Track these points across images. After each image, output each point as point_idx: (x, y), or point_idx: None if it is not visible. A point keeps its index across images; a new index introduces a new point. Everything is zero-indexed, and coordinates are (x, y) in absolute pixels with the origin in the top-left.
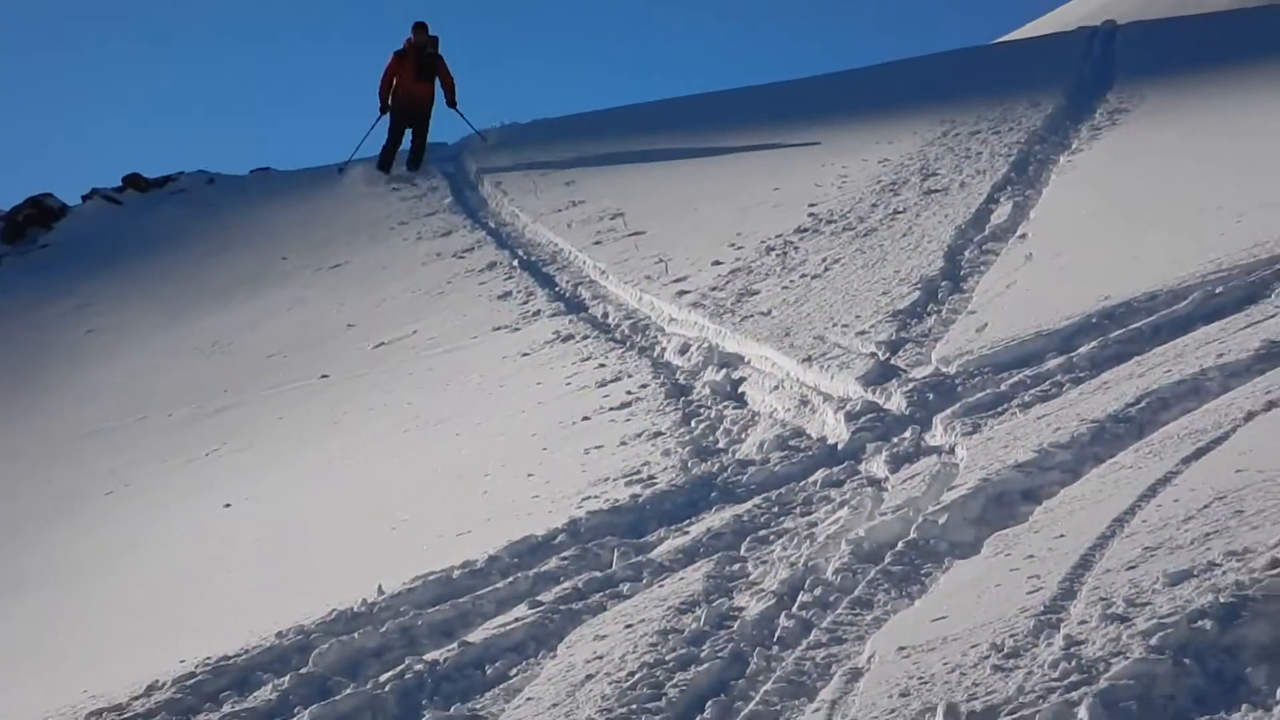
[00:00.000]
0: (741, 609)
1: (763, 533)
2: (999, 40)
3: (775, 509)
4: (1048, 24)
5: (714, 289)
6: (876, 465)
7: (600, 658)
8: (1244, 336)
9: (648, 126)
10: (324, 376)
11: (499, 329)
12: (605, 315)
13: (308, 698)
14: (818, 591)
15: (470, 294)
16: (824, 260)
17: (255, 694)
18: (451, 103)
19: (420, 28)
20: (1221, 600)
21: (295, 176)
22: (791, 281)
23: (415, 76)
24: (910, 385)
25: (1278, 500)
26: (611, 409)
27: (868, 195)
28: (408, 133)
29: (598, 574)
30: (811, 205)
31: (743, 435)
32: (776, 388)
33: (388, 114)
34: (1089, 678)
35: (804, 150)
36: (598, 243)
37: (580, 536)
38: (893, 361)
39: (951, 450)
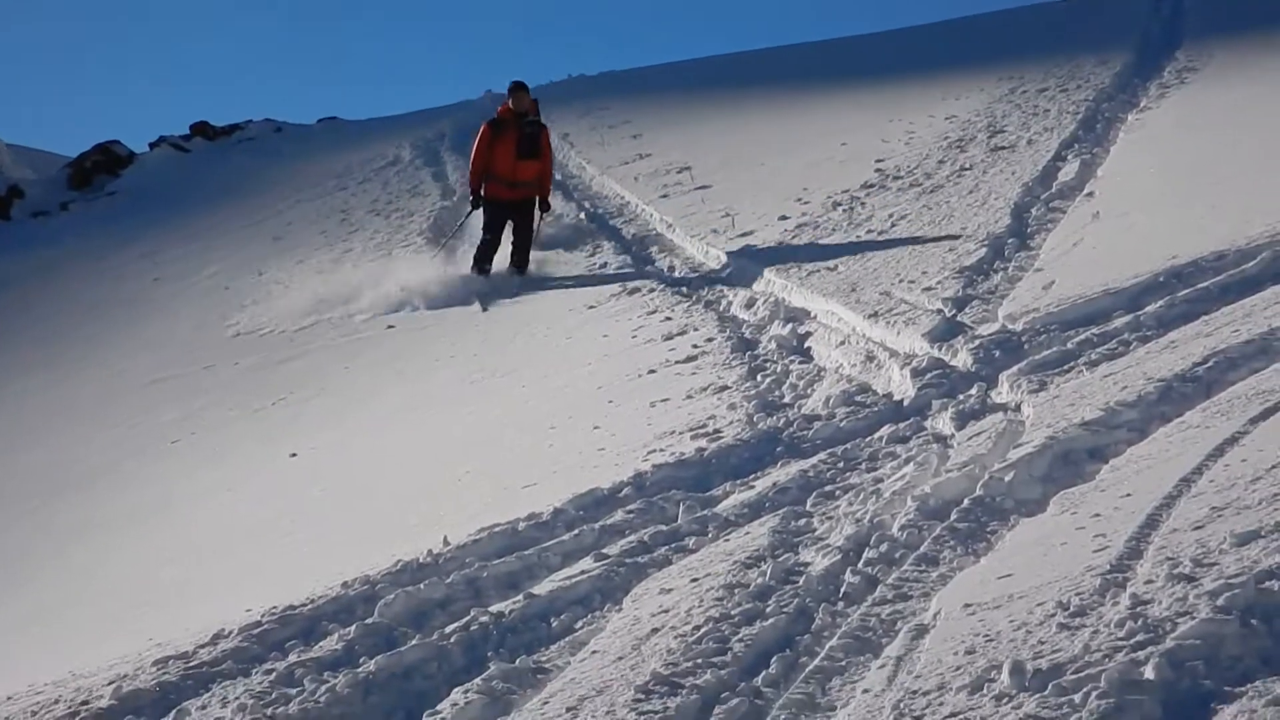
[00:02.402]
0: (807, 564)
1: (828, 488)
2: None
3: (841, 464)
4: None
5: (780, 244)
6: (942, 422)
7: (666, 611)
8: None
9: (715, 81)
10: (390, 327)
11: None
12: (671, 268)
13: (373, 648)
14: (883, 548)
15: (536, 246)
16: (890, 216)
17: (321, 644)
18: (545, 200)
19: (520, 90)
20: None
21: (363, 126)
22: (858, 237)
23: (517, 155)
24: (977, 342)
25: None
26: (677, 362)
27: (935, 151)
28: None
29: (663, 528)
30: (879, 161)
31: (809, 390)
32: (842, 343)
33: (481, 207)
34: (1155, 637)
35: (870, 106)
36: (664, 196)
37: (646, 490)
38: (959, 318)
39: (1018, 408)
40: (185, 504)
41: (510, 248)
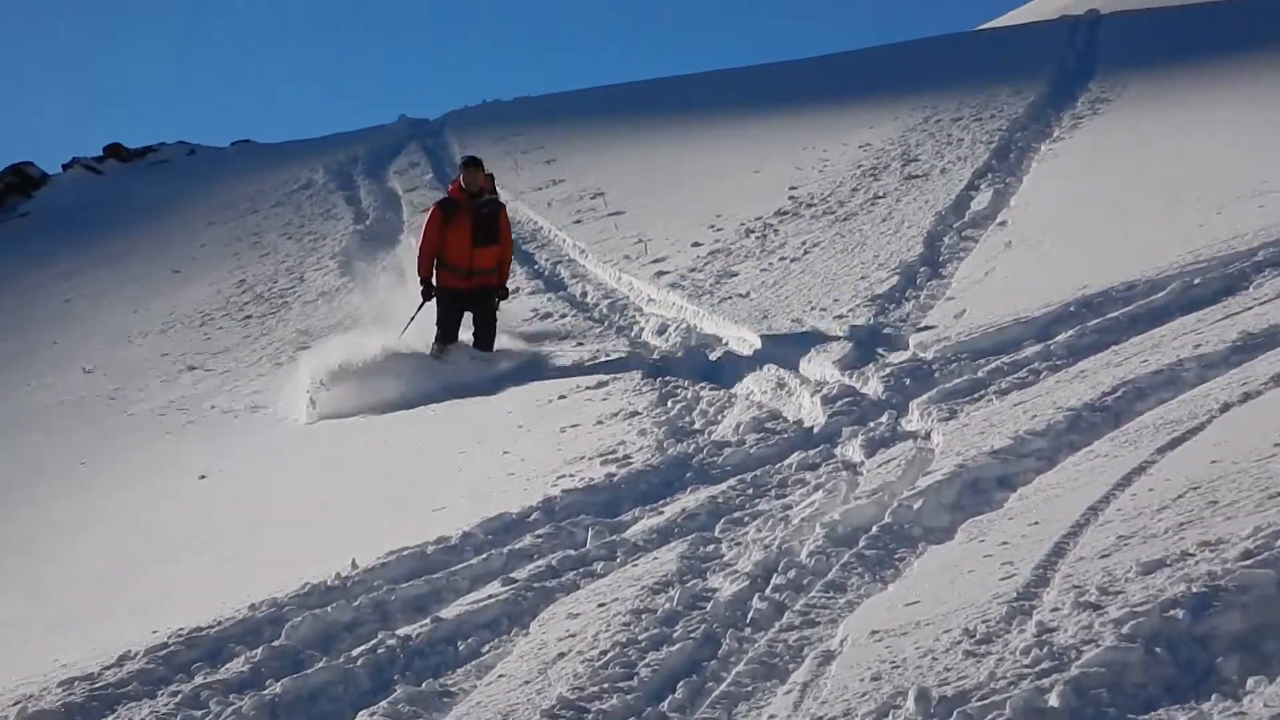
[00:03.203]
0: (715, 590)
1: (737, 514)
2: (981, 27)
3: (750, 491)
4: (1030, 12)
5: (693, 270)
6: (852, 449)
7: (573, 636)
8: (1221, 328)
9: (629, 107)
10: (303, 348)
11: None
12: (584, 294)
13: (280, 670)
14: (791, 574)
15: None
16: (803, 243)
17: (227, 666)
18: (503, 284)
19: (473, 167)
20: (1194, 590)
21: (277, 149)
22: (770, 264)
23: (473, 241)
24: (887, 370)
25: (1251, 491)
26: (588, 388)
27: (848, 179)
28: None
29: (572, 552)
30: (792, 188)
31: (719, 417)
32: (754, 370)
33: (433, 299)
34: (1061, 665)
35: (785, 133)
36: (578, 221)
37: (555, 515)
38: (870, 346)
39: (927, 436)
40: (92, 525)
41: (471, 338)
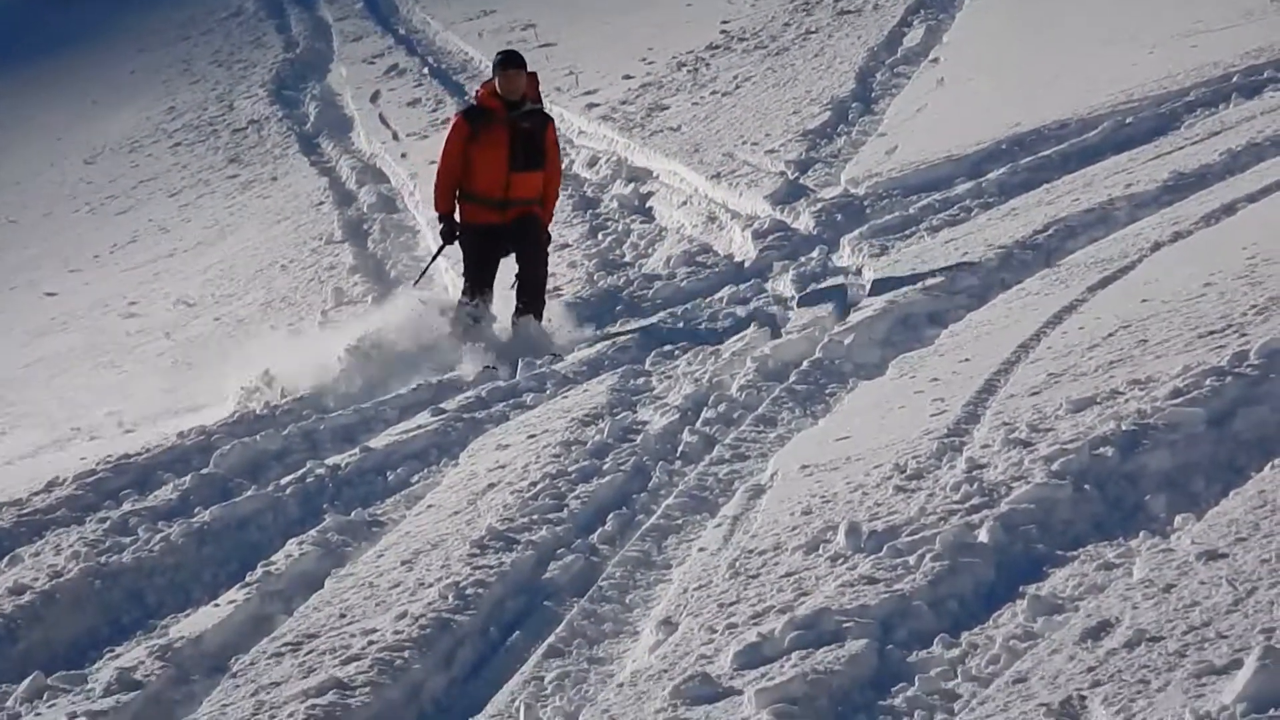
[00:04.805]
0: (645, 423)
1: (668, 347)
2: None
3: (681, 324)
4: None
5: (624, 103)
6: (783, 284)
7: (502, 467)
8: (1153, 167)
9: None
10: (233, 177)
11: (409, 135)
12: None
13: (208, 498)
14: (722, 408)
15: (380, 99)
16: (735, 78)
17: (156, 493)
18: (546, 224)
19: (512, 66)
20: (1123, 428)
21: None
22: (702, 98)
23: (511, 163)
24: (819, 205)
25: (1181, 330)
26: None
27: (780, 14)
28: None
29: (501, 383)
30: (724, 22)
31: (650, 250)
32: (685, 203)
33: (457, 240)
34: (990, 501)
35: None
36: None
37: None
38: (801, 181)
39: (859, 271)
40: (16, 351)
41: (518, 290)
